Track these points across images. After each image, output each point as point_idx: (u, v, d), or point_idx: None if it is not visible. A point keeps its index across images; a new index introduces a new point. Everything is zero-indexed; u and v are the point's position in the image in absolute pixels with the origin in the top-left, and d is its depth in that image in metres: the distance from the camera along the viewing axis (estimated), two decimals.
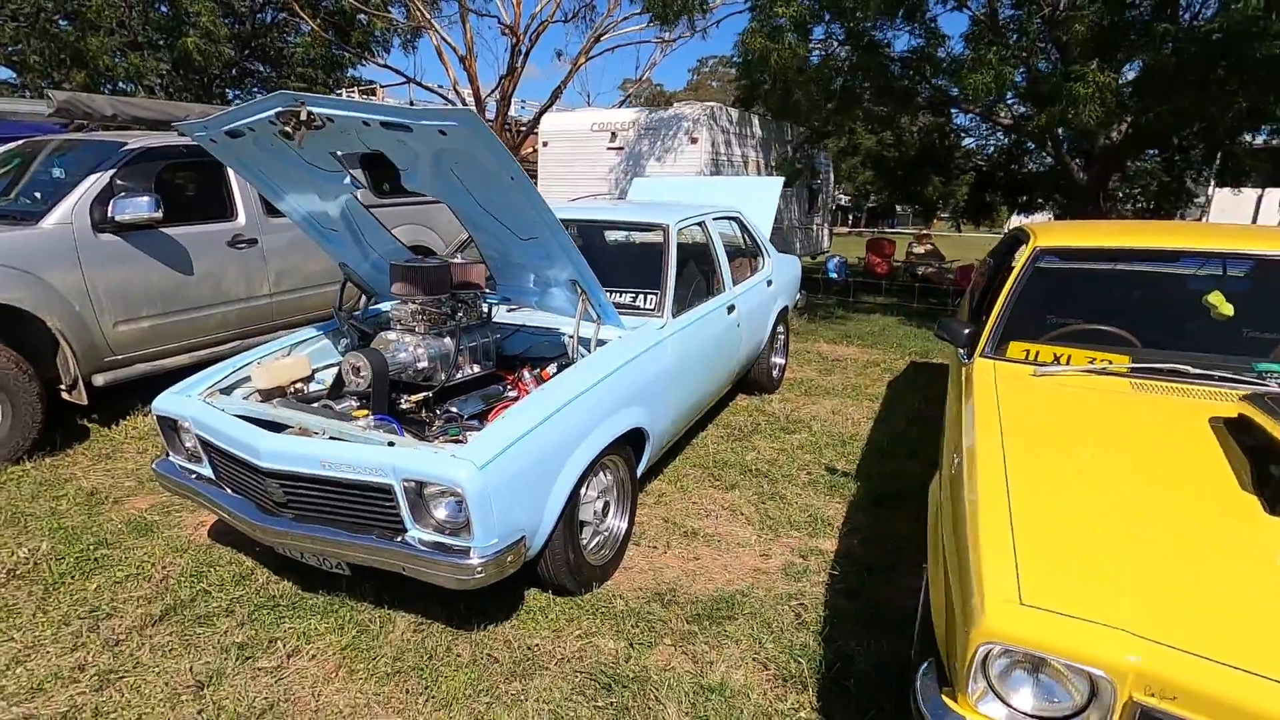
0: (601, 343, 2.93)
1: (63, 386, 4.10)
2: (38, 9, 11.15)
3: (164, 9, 12.11)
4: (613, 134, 8.87)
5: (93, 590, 2.70)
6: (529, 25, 11.78)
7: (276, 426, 2.51)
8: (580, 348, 2.85)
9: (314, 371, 3.10)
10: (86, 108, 4.08)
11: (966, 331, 2.82)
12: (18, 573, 2.81)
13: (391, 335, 2.82)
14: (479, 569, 2.10)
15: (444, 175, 2.39)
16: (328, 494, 2.28)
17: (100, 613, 2.56)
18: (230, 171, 4.98)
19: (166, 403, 2.67)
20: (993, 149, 11.44)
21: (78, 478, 3.70)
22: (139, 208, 4.15)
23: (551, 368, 3.08)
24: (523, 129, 12.52)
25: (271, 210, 5.20)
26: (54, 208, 4.02)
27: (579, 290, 2.78)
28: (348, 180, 2.62)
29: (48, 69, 11.54)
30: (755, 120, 9.93)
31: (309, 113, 2.16)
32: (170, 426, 2.74)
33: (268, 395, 2.95)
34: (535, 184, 2.85)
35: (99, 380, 4.15)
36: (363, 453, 2.18)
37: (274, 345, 3.13)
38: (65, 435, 4.16)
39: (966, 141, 11.73)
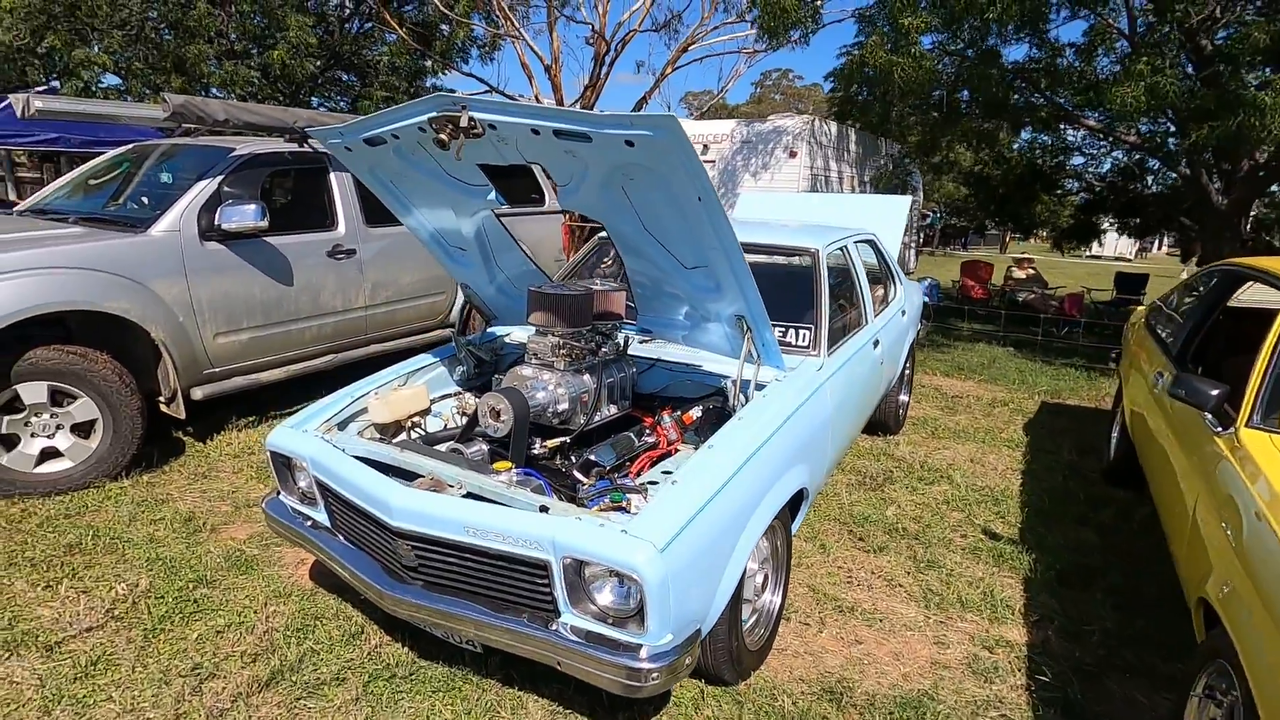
0: (760, 386, 2.53)
1: (161, 399, 3.95)
2: (144, 19, 11.54)
3: (259, 20, 12.40)
4: (705, 147, 8.50)
5: (193, 640, 2.44)
6: (614, 34, 11.58)
7: (399, 471, 2.20)
8: (739, 392, 2.46)
9: (431, 403, 2.80)
10: (200, 112, 3.94)
11: (1215, 393, 2.31)
12: (116, 613, 2.58)
13: (527, 371, 2.49)
14: (653, 673, 1.72)
15: (611, 192, 2.04)
16: (468, 563, 1.94)
17: (203, 670, 2.29)
18: (332, 179, 4.81)
19: (283, 439, 2.39)
20: (1109, 167, 10.59)
21: (174, 499, 3.51)
22: (245, 216, 3.98)
23: (695, 411, 2.71)
24: None
25: (370, 219, 5.02)
26: (163, 215, 3.88)
27: (744, 327, 2.39)
28: (492, 195, 2.31)
29: (149, 75, 11.92)
30: (852, 135, 9.43)
31: (470, 118, 1.84)
32: (283, 463, 2.47)
33: (383, 430, 2.66)
34: None
35: (198, 394, 3.99)
36: (516, 520, 1.83)
37: (388, 374, 2.85)
38: (161, 450, 4.00)
39: (1075, 160, 10.91)
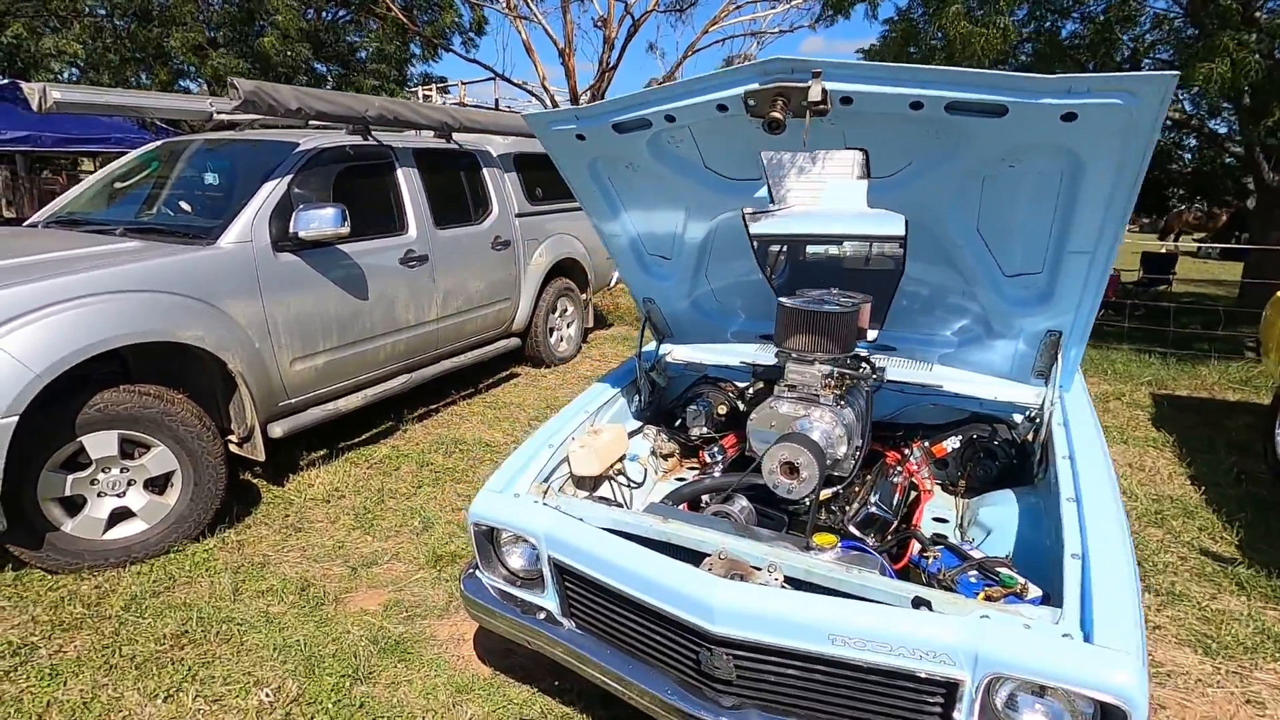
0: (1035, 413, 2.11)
1: (233, 439, 3.37)
2: (111, 6, 10.59)
3: (238, 5, 11.49)
4: None
5: None
6: (623, 17, 11.01)
7: (645, 541, 1.72)
8: (1045, 422, 2.03)
9: None
10: (271, 100, 3.35)
11: None
12: None
13: (786, 407, 2.02)
14: None
15: (961, 186, 1.58)
16: (817, 678, 1.48)
17: None
18: (400, 176, 4.24)
19: (496, 509, 1.88)
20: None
21: (272, 561, 2.96)
22: (324, 221, 3.40)
23: (949, 442, 2.27)
24: None
25: (439, 221, 4.46)
26: (231, 222, 3.28)
27: (1048, 346, 1.96)
28: (761, 193, 1.82)
29: (120, 67, 10.97)
30: None
31: (823, 91, 1.36)
32: (486, 535, 1.97)
33: (579, 482, 2.18)
34: None
35: (276, 430, 3.41)
36: (904, 624, 1.38)
37: (571, 414, 2.35)
38: (235, 500, 3.42)
39: None
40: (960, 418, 2.37)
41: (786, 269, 2.20)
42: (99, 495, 2.82)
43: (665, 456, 2.49)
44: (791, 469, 1.79)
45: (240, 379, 3.19)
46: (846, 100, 1.41)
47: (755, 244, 2.18)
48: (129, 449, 2.85)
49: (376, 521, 3.29)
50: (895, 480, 2.18)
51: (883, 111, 1.42)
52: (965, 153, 1.49)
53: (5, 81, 10.50)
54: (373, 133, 4.15)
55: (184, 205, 3.85)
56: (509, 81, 11.21)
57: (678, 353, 2.80)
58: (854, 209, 1.94)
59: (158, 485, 2.95)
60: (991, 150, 1.47)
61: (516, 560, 1.95)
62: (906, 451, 2.29)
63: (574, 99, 10.66)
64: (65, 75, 9.88)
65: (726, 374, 2.69)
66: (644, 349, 2.87)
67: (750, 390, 2.61)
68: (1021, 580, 1.51)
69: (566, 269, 5.89)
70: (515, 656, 2.37)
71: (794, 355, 2.03)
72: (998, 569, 1.58)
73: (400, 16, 11.05)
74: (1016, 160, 1.48)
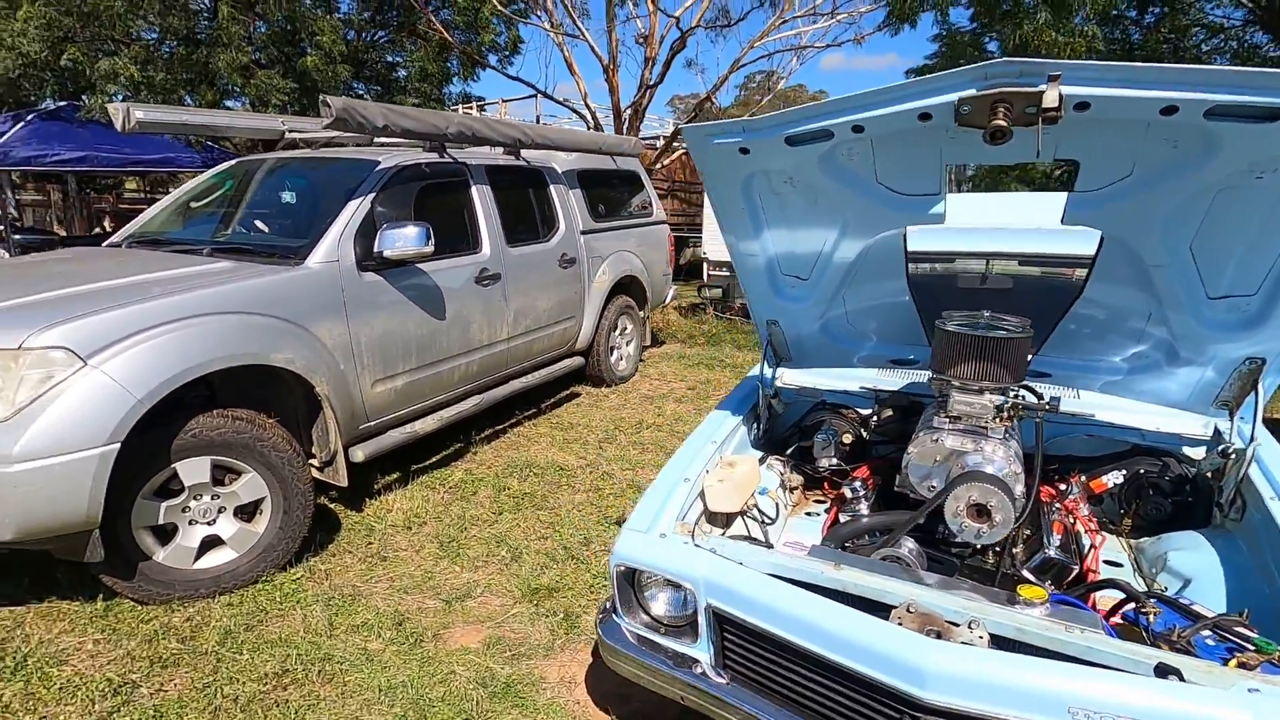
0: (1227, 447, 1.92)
1: (315, 463, 3.28)
2: (164, 30, 10.81)
3: (284, 24, 11.67)
4: None
5: None
6: (667, 31, 10.99)
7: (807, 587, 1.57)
8: (1201, 453, 1.85)
9: None
10: (360, 117, 3.29)
11: None
12: None
13: (949, 440, 1.86)
14: None
15: (1188, 198, 1.43)
16: None
17: None
18: (474, 194, 4.16)
19: (648, 553, 1.74)
20: None
21: (362, 593, 2.84)
22: (409, 240, 3.32)
23: (1110, 477, 2.10)
24: (654, 144, 11.70)
25: (511, 239, 4.37)
26: (318, 242, 3.21)
27: (1244, 375, 1.79)
28: (938, 208, 1.69)
29: (170, 88, 11.17)
30: None
31: (1059, 95, 1.22)
32: (628, 578, 1.83)
33: (713, 518, 2.03)
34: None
35: (359, 455, 3.32)
36: (1168, 699, 1.21)
37: (699, 445, 2.21)
38: (316, 525, 3.31)
39: None
40: (1117, 449, 2.19)
41: (933, 290, 2.05)
42: (190, 523, 2.73)
43: (792, 489, 2.34)
44: (981, 511, 1.63)
45: (326, 401, 3.11)
46: (1082, 106, 1.27)
47: (911, 264, 2.03)
48: (219, 475, 2.76)
49: (462, 550, 3.17)
50: (1056, 518, 2.00)
51: (1122, 118, 1.28)
52: (1209, 162, 1.34)
53: (63, 104, 10.75)
54: (448, 149, 4.09)
55: (265, 225, 3.80)
56: (551, 99, 11.23)
57: (790, 377, 2.65)
58: (1039, 225, 1.78)
59: (246, 513, 2.86)
60: (1241, 160, 1.32)
61: (661, 606, 1.81)
62: (1063, 487, 2.11)
63: (617, 115, 10.63)
64: (118, 97, 10.05)
65: (846, 400, 2.54)
66: (754, 373, 2.74)
67: (875, 418, 2.45)
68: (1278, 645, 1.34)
69: (625, 286, 5.78)
70: (634, 703, 2.23)
71: (958, 384, 1.88)
72: (1236, 628, 1.40)
73: (445, 36, 11.13)
74: (1267, 170, 1.32)
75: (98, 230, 12.81)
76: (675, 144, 10.97)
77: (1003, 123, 1.27)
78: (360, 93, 14.80)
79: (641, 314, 6.09)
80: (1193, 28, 7.67)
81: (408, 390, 3.65)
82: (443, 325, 3.79)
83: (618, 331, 5.75)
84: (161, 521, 2.64)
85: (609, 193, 5.68)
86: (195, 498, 2.72)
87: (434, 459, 4.16)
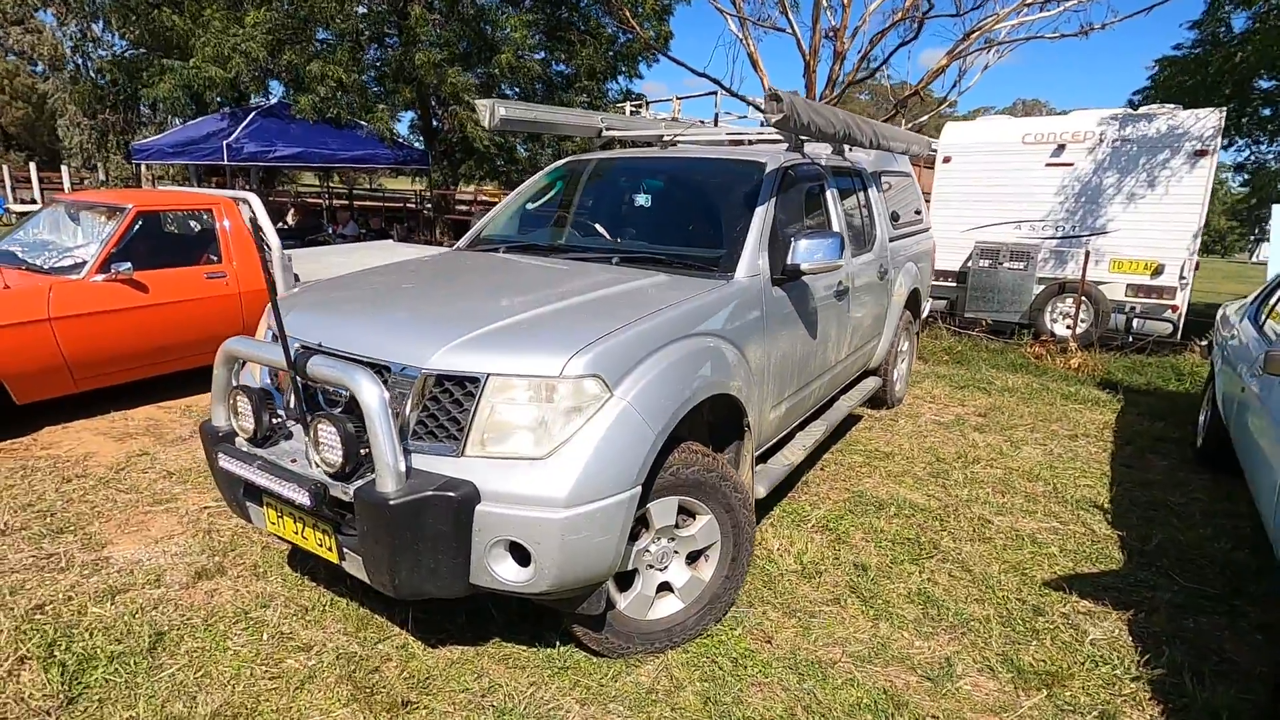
0: None
1: None
2: (358, 32, 11.09)
3: (486, 27, 11.76)
4: (1060, 146, 7.11)
5: None
6: (858, 27, 10.36)
7: None
8: None
9: None
10: (811, 117, 2.93)
11: None
12: None
13: None
14: None
15: None
16: None
17: None
18: (829, 199, 3.76)
19: None
20: None
21: (820, 660, 2.47)
22: (827, 252, 2.94)
23: None
24: None
25: (856, 245, 3.95)
26: (739, 254, 2.88)
27: None
28: None
29: (364, 87, 11.47)
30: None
31: None
32: None
33: None
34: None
35: (760, 490, 2.97)
36: None
37: None
38: None
39: None
40: None
41: None
42: (648, 567, 2.44)
43: None
44: None
45: (748, 430, 2.77)
46: None
47: None
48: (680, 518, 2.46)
49: (893, 611, 2.76)
50: None
51: None
52: None
53: (275, 102, 11.24)
54: (804, 149, 3.71)
55: (597, 227, 3.52)
56: (735, 95, 10.80)
57: None
58: None
59: (691, 559, 2.55)
60: None
61: None
62: None
63: None
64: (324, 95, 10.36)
65: None
66: None
67: None
68: None
69: (907, 300, 5.27)
70: None
71: None
72: None
73: (635, 28, 10.92)
74: None
75: (281, 225, 13.39)
76: None
77: None
78: (512, 94, 14.90)
79: (914, 328, 5.57)
80: None
81: (786, 416, 3.29)
82: (815, 344, 3.41)
83: (901, 348, 5.25)
84: (630, 567, 2.36)
85: (897, 197, 5.18)
86: (654, 541, 2.42)
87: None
